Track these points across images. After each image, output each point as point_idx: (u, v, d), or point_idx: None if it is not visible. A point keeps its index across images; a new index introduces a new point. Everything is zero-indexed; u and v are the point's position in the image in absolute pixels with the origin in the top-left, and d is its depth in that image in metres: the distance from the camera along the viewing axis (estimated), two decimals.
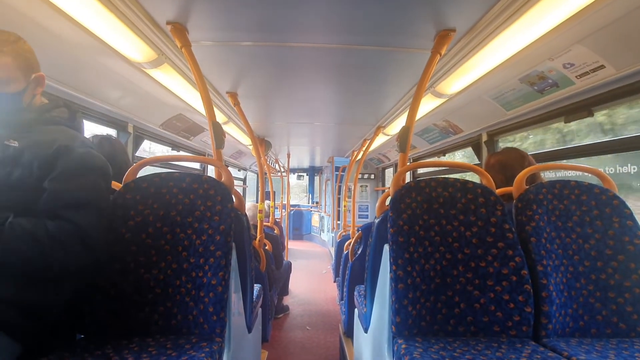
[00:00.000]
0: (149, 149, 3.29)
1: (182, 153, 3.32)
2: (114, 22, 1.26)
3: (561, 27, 1.23)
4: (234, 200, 1.31)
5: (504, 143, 2.49)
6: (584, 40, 1.31)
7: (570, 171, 1.76)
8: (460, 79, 1.84)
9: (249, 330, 1.54)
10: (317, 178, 9.63)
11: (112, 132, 2.26)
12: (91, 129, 2.09)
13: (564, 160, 1.91)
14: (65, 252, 0.88)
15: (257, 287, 1.99)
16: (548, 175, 1.88)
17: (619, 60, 1.31)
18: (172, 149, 3.15)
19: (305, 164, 8.56)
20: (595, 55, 1.34)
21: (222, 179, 1.33)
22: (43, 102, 1.05)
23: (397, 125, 3.07)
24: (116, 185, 1.24)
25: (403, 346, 1.03)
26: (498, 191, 1.34)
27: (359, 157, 4.06)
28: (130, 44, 1.46)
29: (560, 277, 1.19)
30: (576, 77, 1.49)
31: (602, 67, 1.37)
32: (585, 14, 1.14)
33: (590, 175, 1.42)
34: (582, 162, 1.84)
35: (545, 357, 0.97)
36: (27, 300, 0.88)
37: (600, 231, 1.24)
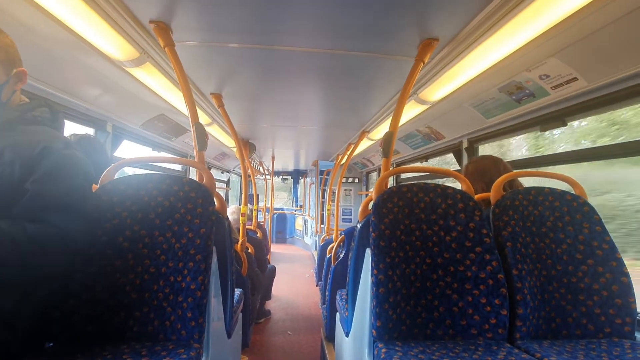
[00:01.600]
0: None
1: (163, 154, 3.25)
2: (94, 18, 1.23)
3: (537, 40, 1.28)
4: (216, 203, 1.29)
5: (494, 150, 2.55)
6: (558, 54, 1.37)
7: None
8: (442, 87, 1.89)
9: (229, 336, 1.52)
10: (301, 181, 9.62)
11: (90, 131, 2.18)
12: (68, 127, 2.01)
13: (541, 168, 1.99)
14: (46, 256, 0.84)
15: (238, 291, 1.96)
16: (527, 182, 1.95)
17: (590, 73, 1.37)
18: (153, 150, 3.07)
19: (290, 167, 8.54)
20: (569, 68, 1.40)
21: (204, 181, 1.31)
22: (23, 101, 1.01)
23: (381, 130, 3.11)
24: (95, 187, 1.20)
25: (383, 350, 1.04)
26: (476, 197, 1.38)
27: (344, 161, 4.09)
28: (110, 42, 1.43)
29: (534, 280, 1.23)
30: (551, 88, 1.56)
31: (575, 79, 1.43)
32: (559, 29, 1.19)
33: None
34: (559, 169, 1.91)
35: (519, 358, 0.99)
36: (2, 308, 0.83)
37: (572, 236, 1.29)
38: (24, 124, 0.96)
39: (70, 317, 1.04)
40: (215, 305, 1.28)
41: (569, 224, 1.31)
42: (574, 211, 1.33)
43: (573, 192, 1.38)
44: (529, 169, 1.97)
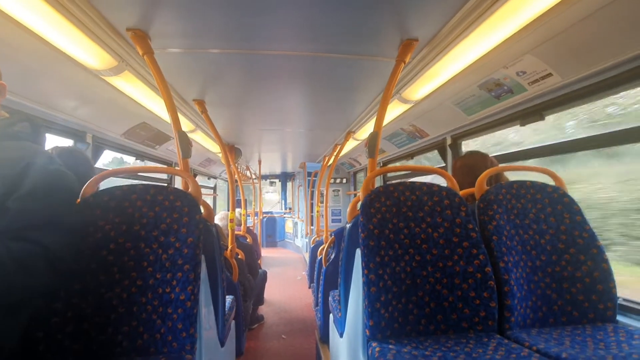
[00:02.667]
0: None
1: (147, 163, 3.19)
2: (68, 27, 1.19)
3: (513, 38, 1.32)
4: (203, 210, 1.27)
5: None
6: (534, 51, 1.41)
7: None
8: (424, 86, 1.92)
9: (222, 344, 1.50)
10: (289, 184, 9.60)
11: (69, 142, 2.12)
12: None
13: (522, 162, 2.04)
14: (31, 276, 0.81)
15: (229, 298, 1.94)
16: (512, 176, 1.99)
17: (563, 69, 1.42)
18: (136, 159, 3.01)
19: (277, 170, 8.51)
20: (544, 64, 1.45)
21: (189, 189, 1.29)
22: (3, 116, 0.98)
23: (366, 130, 3.13)
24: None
25: (377, 349, 1.04)
26: (462, 192, 1.41)
27: (330, 162, 4.10)
28: (87, 51, 1.39)
29: (520, 272, 1.26)
30: (528, 84, 1.60)
31: (549, 75, 1.48)
32: (533, 26, 1.23)
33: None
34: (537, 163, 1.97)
35: (509, 348, 1.02)
36: None
37: (554, 227, 1.34)
38: (5, 140, 0.93)
39: (55, 336, 1.01)
40: (206, 314, 1.26)
41: (550, 215, 1.35)
42: (555, 202, 1.37)
43: (553, 184, 1.43)
44: (512, 164, 2.02)
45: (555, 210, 1.36)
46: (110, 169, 1.38)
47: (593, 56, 1.29)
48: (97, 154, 2.31)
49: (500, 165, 1.58)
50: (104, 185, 1.27)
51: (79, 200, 1.17)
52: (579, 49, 1.29)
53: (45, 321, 1.01)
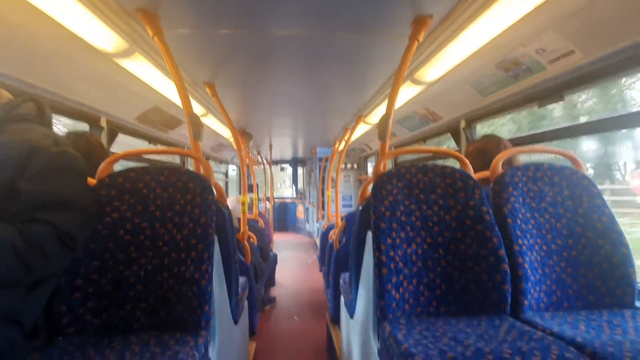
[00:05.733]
0: None
1: (160, 147, 3.23)
2: (78, 8, 1.19)
3: (533, 13, 1.25)
4: (215, 192, 1.29)
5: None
6: (555, 26, 1.34)
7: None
8: (438, 66, 1.86)
9: (235, 323, 1.54)
10: (300, 169, 9.62)
11: (84, 126, 2.16)
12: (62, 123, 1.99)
13: (538, 144, 1.98)
14: (45, 255, 0.85)
15: (242, 279, 1.98)
16: (524, 158, 1.94)
17: (587, 45, 1.35)
18: (149, 143, 3.05)
19: (288, 155, 8.52)
20: (566, 40, 1.38)
21: (201, 171, 1.30)
22: (6, 97, 1.00)
23: (377, 114, 3.08)
24: (93, 182, 1.20)
25: (387, 329, 1.05)
26: (476, 175, 1.38)
27: (341, 147, 4.07)
28: (97, 33, 1.39)
29: (535, 255, 1.24)
30: (548, 62, 1.53)
31: (572, 52, 1.41)
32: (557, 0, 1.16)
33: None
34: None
35: (521, 331, 1.01)
36: (6, 306, 0.84)
37: (571, 210, 1.30)
38: (11, 123, 0.95)
39: (77, 311, 1.06)
40: (219, 293, 1.30)
41: (568, 198, 1.32)
42: (573, 185, 1.33)
43: (572, 167, 1.38)
44: (528, 146, 1.97)
45: (574, 194, 1.32)
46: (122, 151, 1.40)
47: (620, 32, 1.22)
48: (111, 138, 2.35)
49: (515, 148, 1.54)
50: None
51: (95, 181, 1.20)
52: (606, 24, 1.22)
53: (68, 296, 1.05)
